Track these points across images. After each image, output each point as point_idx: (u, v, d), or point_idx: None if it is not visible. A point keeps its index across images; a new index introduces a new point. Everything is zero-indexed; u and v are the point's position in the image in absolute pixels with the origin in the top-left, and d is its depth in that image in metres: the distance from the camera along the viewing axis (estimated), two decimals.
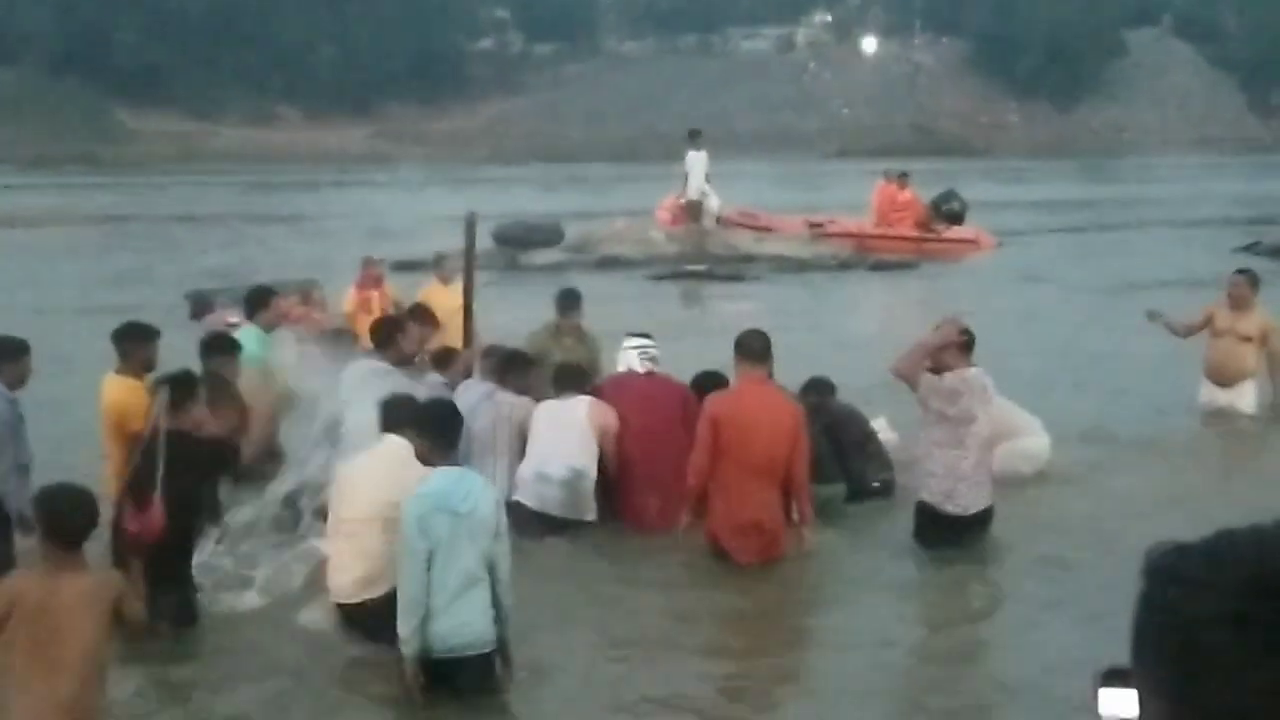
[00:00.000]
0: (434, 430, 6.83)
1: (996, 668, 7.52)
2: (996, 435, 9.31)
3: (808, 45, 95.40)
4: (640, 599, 8.32)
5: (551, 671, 7.23)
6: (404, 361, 9.92)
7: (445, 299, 14.35)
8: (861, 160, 54.18)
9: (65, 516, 5.52)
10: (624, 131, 79.92)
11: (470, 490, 6.63)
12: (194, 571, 7.73)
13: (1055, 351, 16.00)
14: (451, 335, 11.62)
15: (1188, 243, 28.36)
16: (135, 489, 7.21)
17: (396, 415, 7.58)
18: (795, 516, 8.88)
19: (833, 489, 9.84)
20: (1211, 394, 12.61)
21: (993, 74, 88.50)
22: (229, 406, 7.93)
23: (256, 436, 9.42)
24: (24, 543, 7.79)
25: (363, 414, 8.31)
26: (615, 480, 9.56)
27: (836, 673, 7.42)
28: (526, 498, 9.34)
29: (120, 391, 9.10)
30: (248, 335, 10.77)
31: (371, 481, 7.36)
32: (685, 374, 10.08)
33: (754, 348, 8.86)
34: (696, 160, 26.40)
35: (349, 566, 7.38)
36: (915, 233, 27.34)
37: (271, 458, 9.98)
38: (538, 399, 9.81)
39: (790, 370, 10.10)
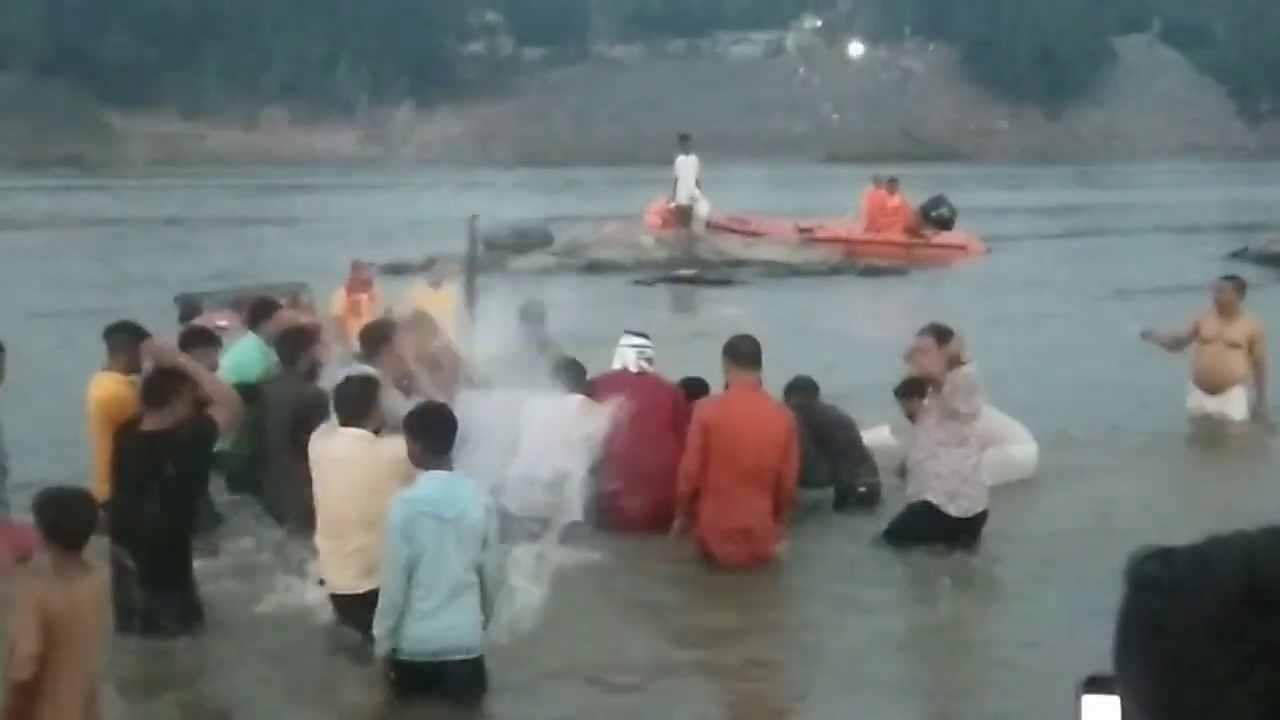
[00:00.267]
0: (426, 434, 6.78)
1: (987, 668, 7.53)
2: (986, 440, 9.33)
3: (797, 50, 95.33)
4: (625, 602, 8.31)
5: (536, 675, 7.23)
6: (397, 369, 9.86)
7: (435, 303, 14.36)
8: (851, 165, 54.19)
9: (67, 519, 5.51)
10: (613, 136, 79.88)
11: (459, 496, 6.59)
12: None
13: (1044, 357, 16.02)
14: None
15: (1176, 249, 28.41)
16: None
17: (351, 406, 7.50)
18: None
19: (821, 492, 9.86)
20: (1200, 400, 12.63)
21: (982, 80, 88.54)
22: (218, 394, 7.89)
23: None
24: None
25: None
26: (602, 480, 9.58)
27: (826, 674, 7.43)
28: (511, 503, 9.34)
29: (108, 386, 9.11)
30: (248, 345, 10.78)
31: (348, 478, 7.37)
32: (673, 379, 10.10)
33: (745, 353, 8.87)
34: (686, 165, 26.38)
35: (343, 563, 7.36)
36: (904, 238, 27.37)
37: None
38: None
39: (780, 376, 10.11)
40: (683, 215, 26.37)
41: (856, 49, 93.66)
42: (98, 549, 7.46)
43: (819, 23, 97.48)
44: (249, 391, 9.26)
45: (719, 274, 24.31)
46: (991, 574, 8.94)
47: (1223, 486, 11.50)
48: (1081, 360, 15.71)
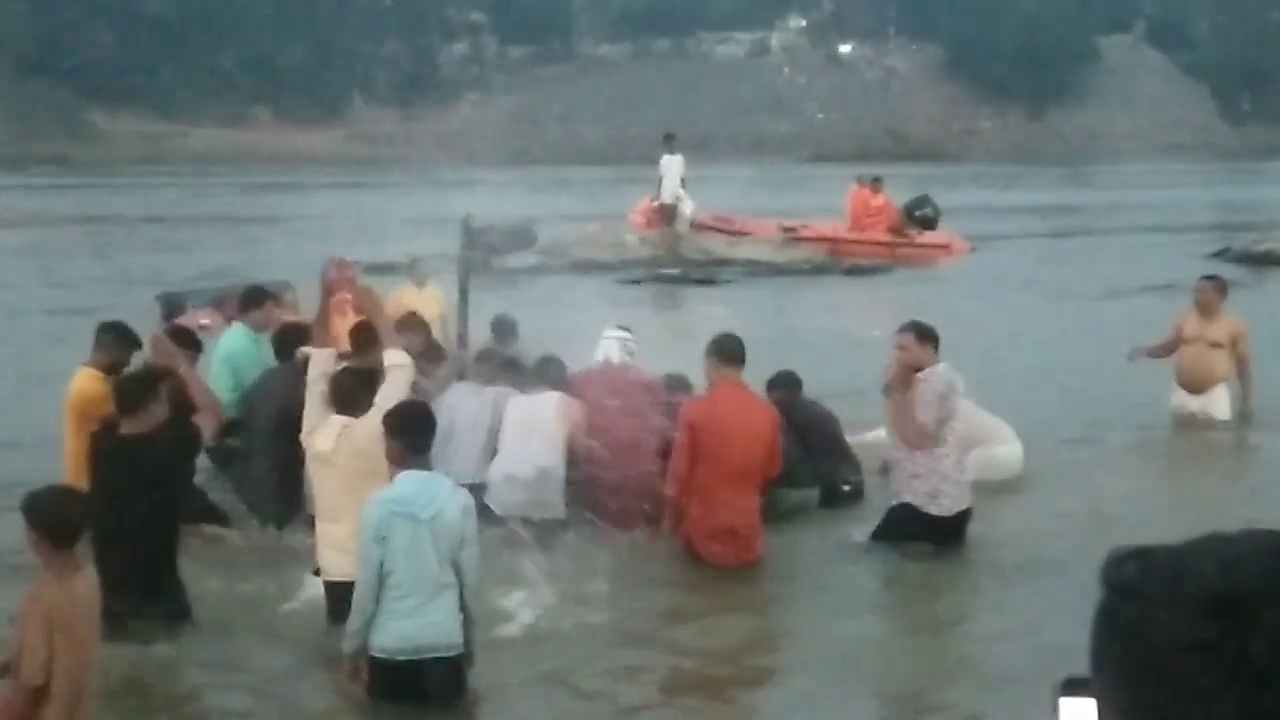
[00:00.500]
0: (404, 433, 6.75)
1: (970, 667, 7.53)
2: (970, 439, 9.32)
3: (782, 50, 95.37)
4: (611, 602, 8.29)
5: (512, 677, 7.23)
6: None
7: (419, 302, 14.33)
8: (835, 165, 54.23)
9: (59, 517, 5.51)
10: (598, 135, 79.85)
11: (435, 496, 6.54)
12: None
13: (1027, 356, 16.04)
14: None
15: (1158, 248, 28.46)
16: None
17: (346, 396, 7.57)
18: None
19: (807, 494, 9.86)
20: (1184, 400, 12.65)
21: (966, 79, 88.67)
22: (204, 402, 7.88)
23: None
24: None
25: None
26: (583, 476, 9.58)
27: (810, 674, 7.43)
28: (494, 502, 9.37)
29: (82, 382, 9.12)
30: (237, 333, 10.82)
31: (345, 465, 7.38)
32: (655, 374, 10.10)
33: (731, 351, 8.89)
34: (671, 164, 26.37)
35: (343, 547, 7.27)
36: (888, 237, 27.40)
37: None
38: None
39: (763, 375, 10.11)
40: (667, 214, 26.36)
41: (841, 49, 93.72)
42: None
43: (803, 22, 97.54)
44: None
45: (703, 273, 24.31)
46: (975, 573, 8.94)
47: (1205, 486, 11.54)
48: (1065, 359, 15.72)
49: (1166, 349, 12.77)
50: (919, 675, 7.50)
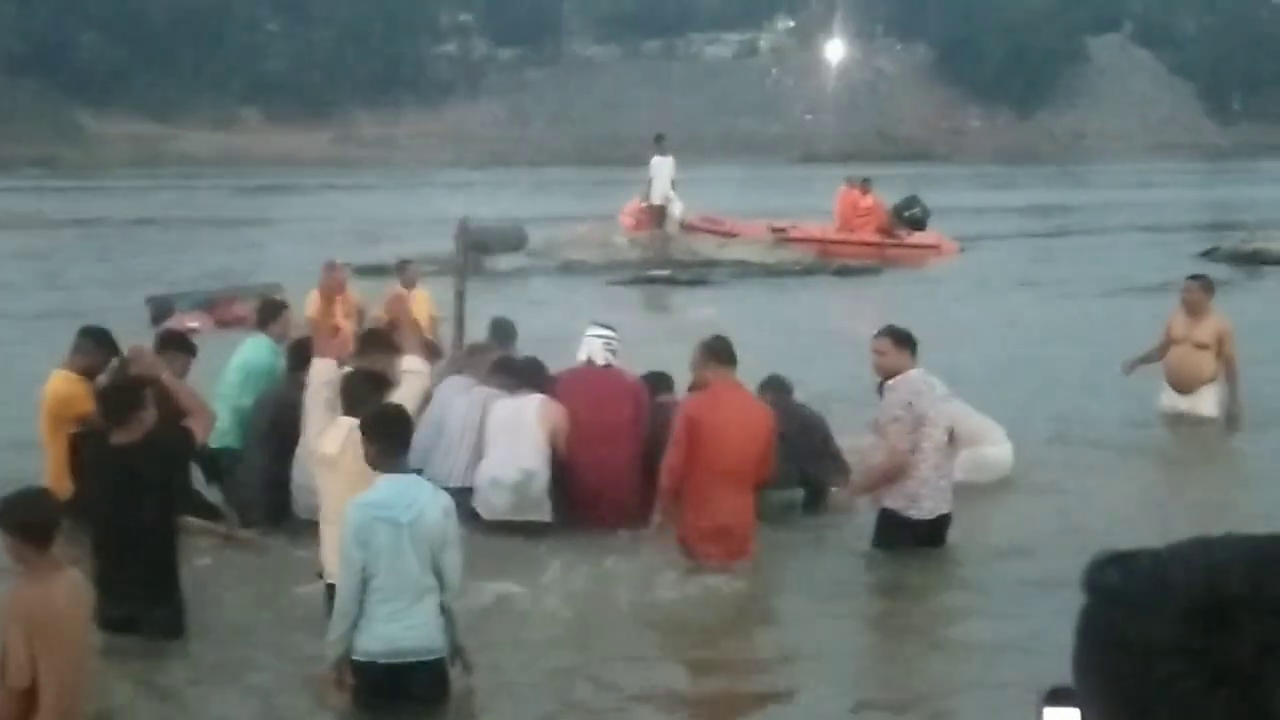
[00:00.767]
0: (382, 437, 6.70)
1: (955, 670, 7.53)
2: (958, 441, 9.31)
3: (771, 50, 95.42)
4: (596, 601, 8.28)
5: (505, 678, 7.22)
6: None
7: (408, 304, 14.32)
8: (824, 166, 54.28)
9: (31, 516, 5.53)
10: (587, 136, 79.81)
11: (415, 500, 6.50)
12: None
13: (1016, 356, 16.06)
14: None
15: (1147, 248, 28.51)
16: None
17: (357, 396, 7.59)
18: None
19: (791, 494, 9.86)
20: (1172, 399, 12.66)
21: (955, 80, 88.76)
22: (193, 407, 7.86)
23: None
24: None
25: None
26: (564, 478, 9.58)
27: (796, 674, 7.43)
28: (480, 506, 9.40)
29: (56, 383, 9.12)
30: (259, 345, 10.85)
31: (345, 462, 7.36)
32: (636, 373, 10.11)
33: (727, 351, 8.90)
34: (662, 165, 26.37)
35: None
36: (878, 238, 27.42)
37: None
38: None
39: (753, 376, 10.10)
40: (657, 215, 26.36)
41: (831, 50, 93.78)
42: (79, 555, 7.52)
43: (792, 23, 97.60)
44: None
45: (693, 274, 24.31)
46: (964, 575, 8.94)
47: (1192, 486, 11.57)
48: (1054, 359, 15.74)
49: (1162, 350, 12.76)
50: (907, 678, 7.50)
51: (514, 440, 9.44)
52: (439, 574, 6.51)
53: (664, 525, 8.95)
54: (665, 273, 24.30)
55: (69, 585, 5.49)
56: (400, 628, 6.47)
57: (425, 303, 14.38)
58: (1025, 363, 15.63)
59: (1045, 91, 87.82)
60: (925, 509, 8.80)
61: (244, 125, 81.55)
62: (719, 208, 29.83)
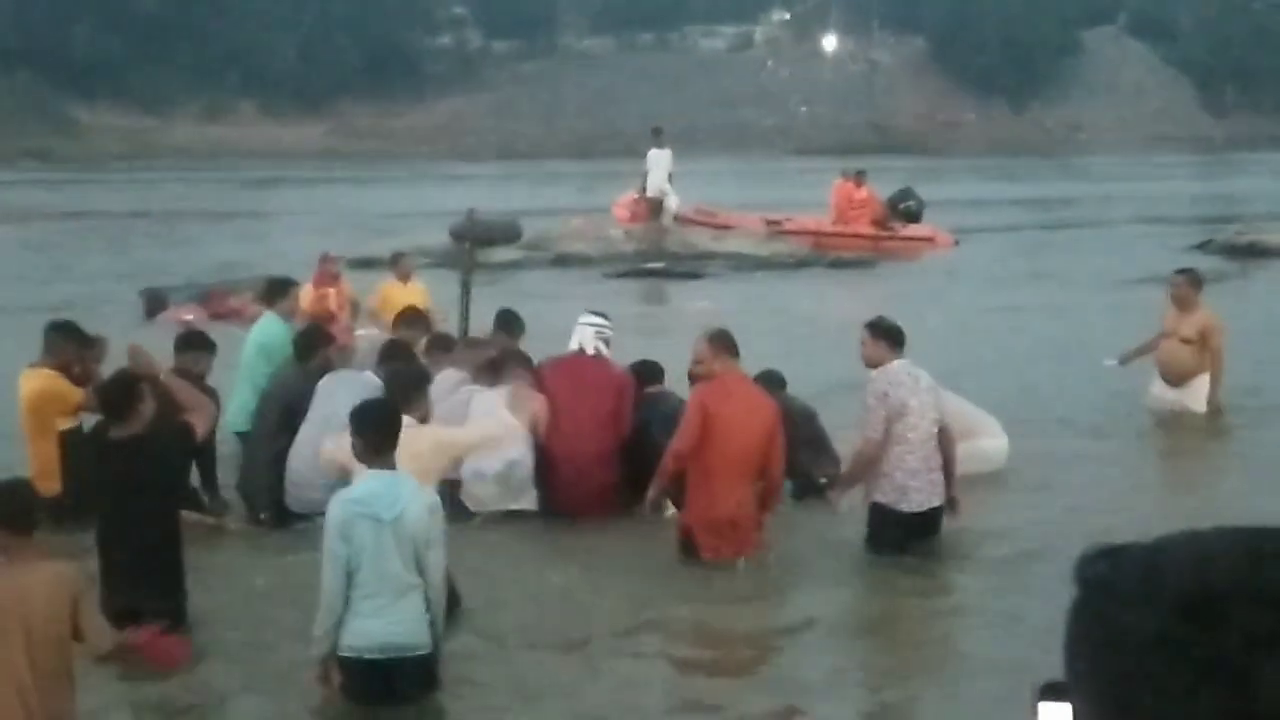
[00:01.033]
0: (365, 431, 6.68)
1: (947, 665, 7.54)
2: (953, 434, 9.29)
3: (766, 43, 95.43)
4: (581, 592, 8.26)
5: (491, 673, 7.22)
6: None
7: (402, 296, 14.32)
8: (819, 158, 54.28)
9: (13, 504, 5.56)
10: (582, 129, 79.80)
11: (398, 496, 6.44)
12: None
13: (1010, 348, 16.06)
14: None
15: (1142, 241, 28.52)
16: None
17: (402, 393, 7.76)
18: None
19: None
20: (1162, 392, 12.69)
21: (949, 73, 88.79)
22: (193, 403, 7.86)
23: None
24: None
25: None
26: (543, 466, 9.62)
27: (794, 670, 7.43)
28: (467, 499, 9.45)
29: (38, 381, 9.12)
30: (269, 322, 10.95)
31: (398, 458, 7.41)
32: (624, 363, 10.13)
33: (732, 343, 8.93)
34: (659, 158, 26.35)
35: None
36: (872, 231, 27.42)
37: None
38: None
39: (748, 370, 10.09)
40: (652, 208, 26.35)
41: (826, 42, 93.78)
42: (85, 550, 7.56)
43: (787, 16, 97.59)
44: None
45: (687, 267, 24.31)
46: (956, 568, 8.93)
47: (1182, 478, 11.64)
48: (1048, 351, 15.74)
49: (1153, 345, 12.78)
50: (905, 670, 7.50)
51: (496, 430, 9.44)
52: (422, 571, 6.46)
53: (656, 504, 8.94)
54: (660, 265, 24.31)
55: (45, 580, 5.45)
56: (384, 623, 6.43)
57: (420, 295, 14.38)
58: (1018, 355, 15.62)
59: (1040, 84, 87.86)
60: (915, 502, 8.78)
61: (237, 118, 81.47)
62: (714, 200, 29.83)
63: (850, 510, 8.97)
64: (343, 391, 9.03)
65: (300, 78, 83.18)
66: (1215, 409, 12.46)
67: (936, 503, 8.86)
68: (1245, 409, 12.79)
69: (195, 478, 9.53)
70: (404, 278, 14.85)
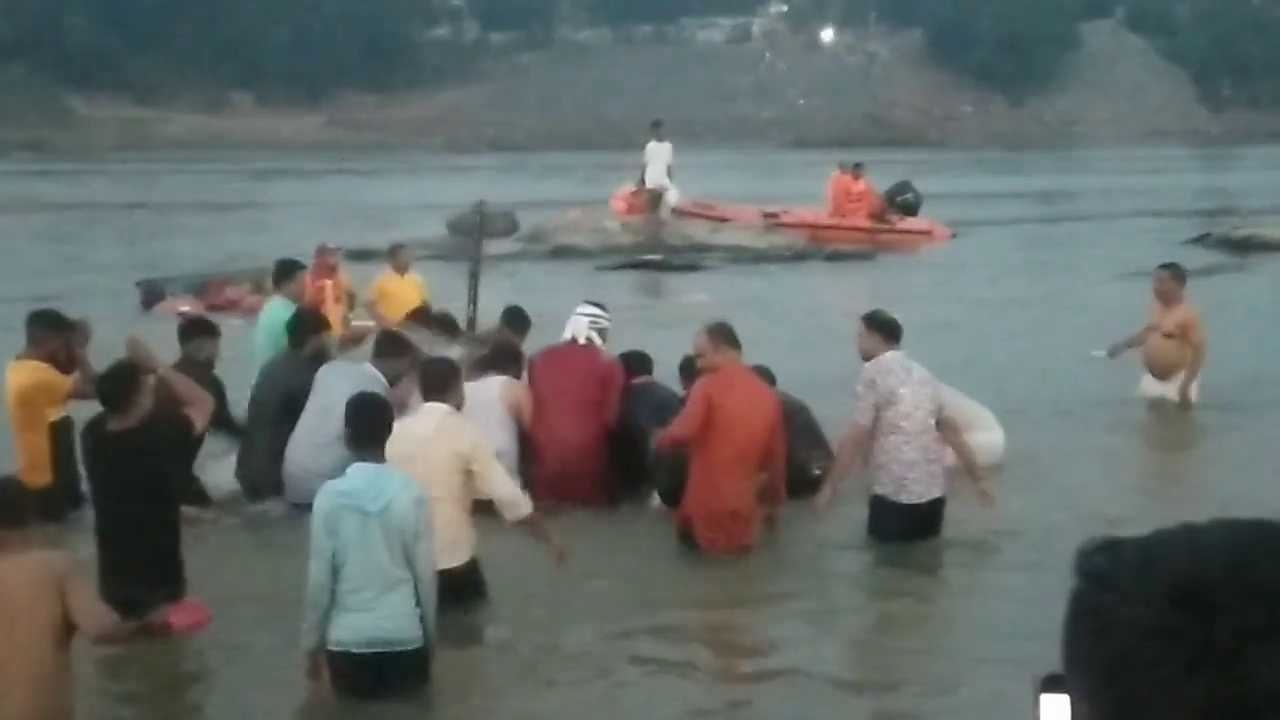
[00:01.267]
0: (353, 424, 6.67)
1: (943, 661, 7.54)
2: (956, 422, 9.29)
3: (763, 35, 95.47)
4: (574, 586, 8.24)
5: (484, 669, 7.22)
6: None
7: (400, 288, 14.32)
8: (817, 151, 54.27)
9: (2, 497, 5.56)
10: (579, 121, 79.78)
11: (384, 488, 6.39)
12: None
13: (1005, 341, 16.07)
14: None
15: (1140, 234, 28.52)
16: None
17: (437, 382, 7.83)
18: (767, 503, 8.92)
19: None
20: (1150, 385, 12.74)
21: (947, 65, 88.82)
22: (191, 396, 7.86)
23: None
24: None
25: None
26: (529, 453, 9.66)
27: (777, 669, 7.43)
28: None
29: (25, 374, 9.12)
30: (275, 306, 10.99)
31: (437, 450, 7.44)
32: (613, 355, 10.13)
33: (732, 335, 8.95)
34: (658, 151, 26.30)
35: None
36: (869, 224, 27.41)
37: None
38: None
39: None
40: (651, 200, 26.33)
41: (824, 34, 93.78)
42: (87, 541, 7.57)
43: (785, 8, 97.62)
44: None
45: (684, 259, 24.30)
46: (954, 560, 8.94)
47: (1173, 471, 11.67)
48: (1042, 343, 15.75)
49: (1141, 338, 12.83)
50: (903, 664, 7.50)
51: (480, 420, 9.44)
52: (411, 564, 6.41)
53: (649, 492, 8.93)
54: (657, 258, 24.30)
55: (27, 564, 5.44)
56: (371, 617, 6.38)
57: (417, 287, 14.37)
58: (1013, 348, 15.63)
59: (1037, 77, 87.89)
60: (915, 493, 8.78)
61: (234, 109, 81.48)
62: (711, 193, 29.81)
63: (829, 507, 8.91)
64: (341, 383, 9.04)
65: (297, 69, 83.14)
66: (1185, 402, 12.48)
67: (937, 494, 8.86)
68: (1239, 402, 12.81)
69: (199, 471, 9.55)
70: (401, 269, 14.83)
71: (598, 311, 10.24)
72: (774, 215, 28.04)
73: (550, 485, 9.54)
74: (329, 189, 43.12)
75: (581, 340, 10.06)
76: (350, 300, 14.74)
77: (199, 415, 7.65)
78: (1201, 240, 26.46)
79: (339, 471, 6.69)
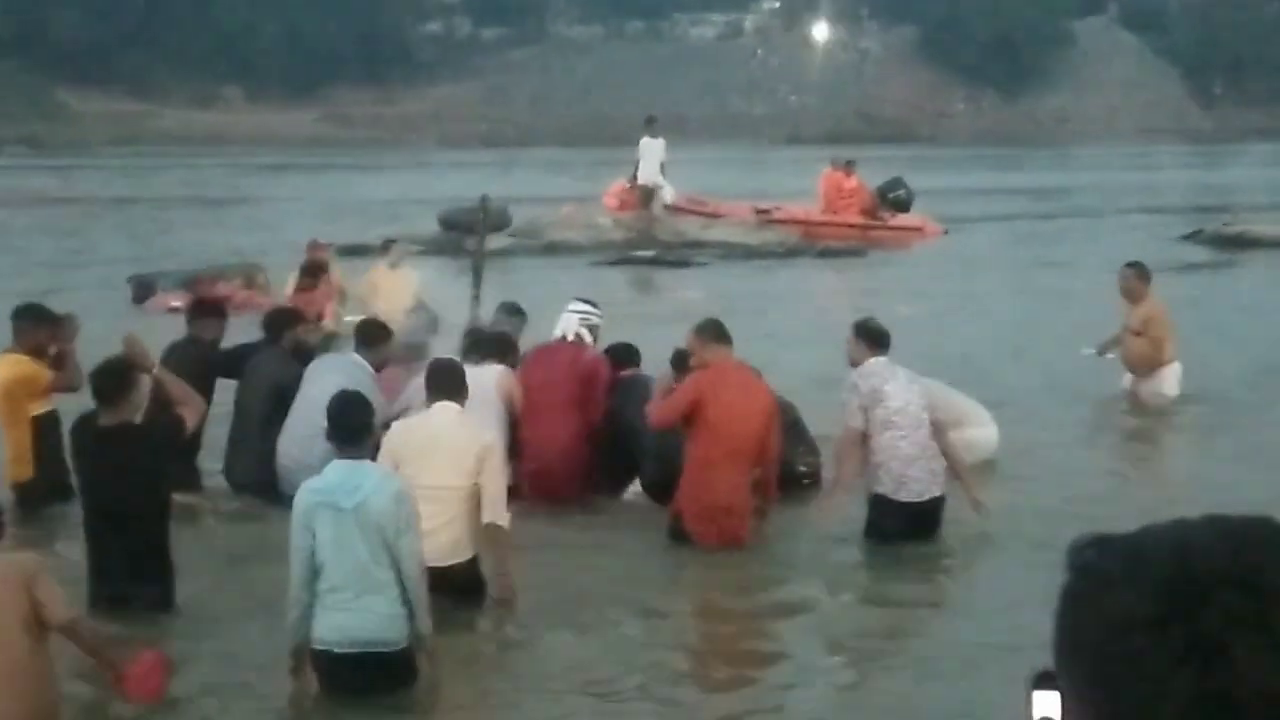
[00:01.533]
0: (333, 421, 6.63)
1: (941, 657, 7.55)
2: (945, 423, 9.31)
3: (756, 31, 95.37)
4: (569, 582, 8.25)
5: (478, 665, 7.21)
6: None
7: (392, 284, 14.34)
8: (809, 147, 54.27)
9: None
10: (571, 117, 79.72)
11: (360, 484, 6.31)
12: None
13: (996, 337, 16.07)
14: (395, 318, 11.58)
15: (1131, 231, 28.53)
16: None
17: (447, 381, 7.81)
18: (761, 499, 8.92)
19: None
20: (1129, 381, 12.85)
21: (939, 62, 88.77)
22: (183, 397, 7.87)
23: None
24: None
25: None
26: (518, 447, 9.65)
27: (790, 666, 7.44)
28: None
29: (13, 367, 9.12)
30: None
31: (451, 447, 7.43)
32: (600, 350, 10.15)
33: (721, 330, 8.96)
34: (651, 147, 26.26)
35: (437, 531, 7.21)
36: (861, 220, 27.42)
37: None
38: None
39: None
40: (644, 197, 26.30)
41: (816, 31, 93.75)
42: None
43: (777, 4, 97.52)
44: None
45: (677, 255, 24.31)
46: (948, 558, 8.93)
47: (1165, 465, 11.70)
48: (1032, 340, 15.75)
49: (1121, 337, 12.96)
50: (901, 660, 7.51)
51: (474, 408, 9.45)
52: (395, 562, 6.31)
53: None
54: (649, 254, 24.30)
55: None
56: (351, 616, 6.31)
57: (409, 282, 14.40)
58: (1003, 344, 15.63)
59: (1030, 74, 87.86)
60: (915, 491, 8.76)
61: (226, 104, 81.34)
62: (703, 189, 29.81)
63: (833, 516, 8.93)
64: (330, 375, 9.05)
65: (289, 64, 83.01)
66: (1148, 395, 12.56)
67: (937, 492, 8.85)
68: (1230, 398, 12.86)
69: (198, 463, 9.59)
70: (393, 265, 14.84)
71: (588, 308, 10.26)
72: (766, 212, 28.03)
73: (535, 483, 9.57)
74: (321, 184, 43.08)
75: (570, 338, 10.06)
76: (342, 296, 14.75)
77: (191, 415, 7.68)
78: (1193, 237, 26.49)
79: (329, 463, 6.68)
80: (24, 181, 42.88)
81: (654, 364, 10.20)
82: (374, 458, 7.10)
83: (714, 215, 27.47)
